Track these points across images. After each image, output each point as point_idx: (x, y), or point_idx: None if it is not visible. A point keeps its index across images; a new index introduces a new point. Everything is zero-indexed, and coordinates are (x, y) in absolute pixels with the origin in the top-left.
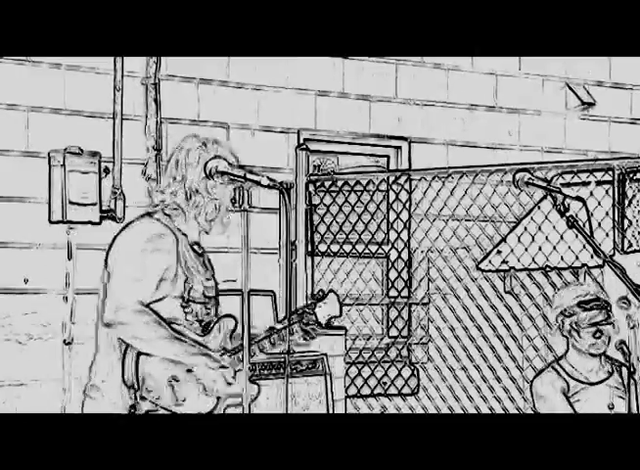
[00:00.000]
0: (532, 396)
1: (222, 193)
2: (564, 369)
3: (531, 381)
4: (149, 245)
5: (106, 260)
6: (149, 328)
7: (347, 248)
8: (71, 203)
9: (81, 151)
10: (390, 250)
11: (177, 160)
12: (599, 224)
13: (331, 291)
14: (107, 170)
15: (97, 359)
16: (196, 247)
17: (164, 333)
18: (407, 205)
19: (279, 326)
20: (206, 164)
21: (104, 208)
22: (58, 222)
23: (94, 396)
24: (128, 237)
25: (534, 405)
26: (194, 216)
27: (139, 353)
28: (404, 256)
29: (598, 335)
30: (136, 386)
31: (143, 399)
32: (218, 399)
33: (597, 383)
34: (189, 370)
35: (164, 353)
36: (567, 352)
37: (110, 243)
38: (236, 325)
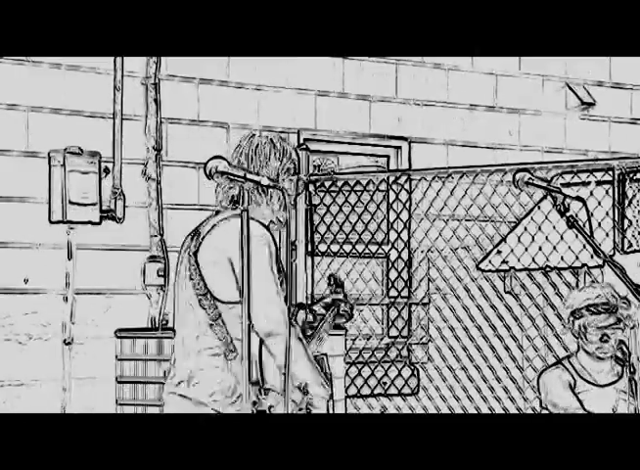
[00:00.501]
0: (539, 389)
1: (276, 201)
2: (573, 367)
3: (539, 374)
4: (268, 248)
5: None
6: (297, 343)
7: (347, 248)
8: (72, 203)
9: (81, 151)
10: (390, 250)
11: (250, 157)
12: (599, 224)
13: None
14: (107, 170)
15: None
16: None
17: (303, 352)
18: (407, 205)
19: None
20: (206, 164)
21: (104, 208)
22: (58, 222)
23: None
24: (255, 240)
25: (540, 399)
26: (265, 212)
27: (260, 349)
28: (404, 256)
29: (605, 339)
30: (260, 382)
31: (267, 393)
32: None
33: (605, 385)
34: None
35: (300, 375)
36: (577, 351)
37: (199, 242)
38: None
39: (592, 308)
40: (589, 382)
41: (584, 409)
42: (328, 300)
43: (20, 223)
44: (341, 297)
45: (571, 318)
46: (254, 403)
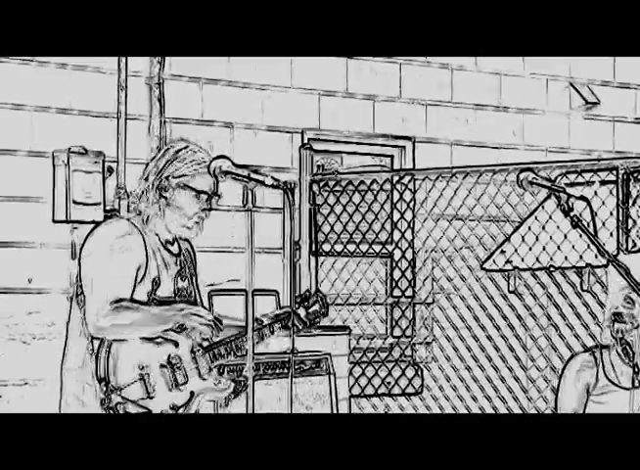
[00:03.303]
0: (561, 373)
1: (185, 202)
2: (602, 361)
3: (569, 357)
4: (117, 244)
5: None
6: (125, 318)
7: (351, 247)
8: (75, 202)
9: (85, 151)
10: (394, 249)
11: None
12: (603, 224)
13: (317, 291)
14: (110, 170)
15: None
16: (171, 247)
17: (139, 314)
18: (411, 204)
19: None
20: (210, 163)
21: (107, 207)
22: (61, 222)
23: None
24: (97, 238)
25: (558, 382)
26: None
27: (110, 347)
28: (408, 255)
29: (620, 335)
30: (107, 379)
31: (112, 391)
32: (192, 393)
33: (627, 388)
34: (162, 365)
35: (147, 330)
36: (610, 350)
37: (81, 245)
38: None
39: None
40: (612, 382)
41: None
42: (281, 311)
43: (23, 223)
44: (298, 311)
45: (612, 319)
46: (103, 402)
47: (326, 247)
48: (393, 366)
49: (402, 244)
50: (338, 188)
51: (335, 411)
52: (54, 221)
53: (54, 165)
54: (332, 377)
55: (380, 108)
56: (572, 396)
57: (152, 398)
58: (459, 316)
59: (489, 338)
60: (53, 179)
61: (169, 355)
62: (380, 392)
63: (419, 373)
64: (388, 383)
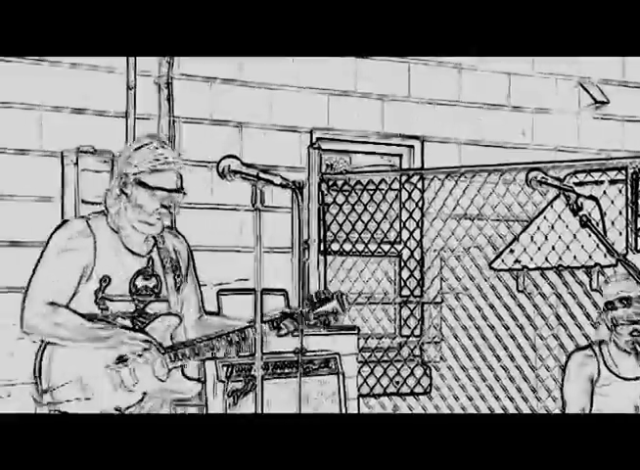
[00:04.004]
0: (564, 369)
1: (142, 198)
2: (602, 354)
3: (570, 353)
4: (65, 245)
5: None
6: (58, 328)
7: (360, 247)
8: (84, 202)
9: (94, 150)
10: (403, 249)
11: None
12: (612, 223)
13: (332, 292)
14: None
15: None
16: (143, 243)
17: (72, 324)
18: (420, 204)
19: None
20: (219, 162)
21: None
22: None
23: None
24: (51, 239)
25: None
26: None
27: (44, 349)
28: (417, 255)
29: (636, 333)
30: (38, 381)
31: (45, 392)
32: (145, 394)
33: (630, 379)
34: (108, 365)
35: (77, 342)
36: (609, 342)
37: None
38: (178, 324)
39: (624, 301)
40: (614, 373)
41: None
42: (277, 312)
43: (33, 222)
44: (293, 311)
45: (605, 309)
46: (35, 401)
47: (335, 246)
48: (402, 366)
49: (411, 243)
50: (346, 187)
51: (343, 411)
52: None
53: (63, 165)
54: (340, 376)
55: (388, 107)
56: (578, 389)
57: (88, 398)
58: (468, 316)
59: (498, 337)
60: (62, 179)
61: (119, 356)
62: (388, 391)
63: (427, 373)
64: (397, 382)
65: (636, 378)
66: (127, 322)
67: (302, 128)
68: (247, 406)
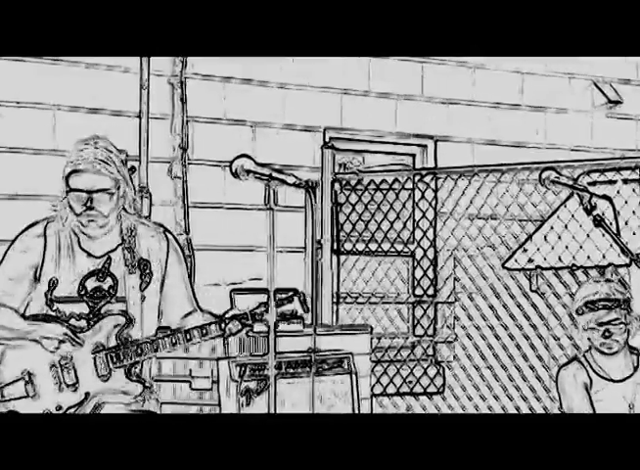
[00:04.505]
0: (557, 388)
1: (70, 199)
2: (589, 363)
3: (557, 372)
4: (19, 246)
5: None
6: None
7: (373, 246)
8: None
9: None
10: (416, 248)
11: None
12: (626, 223)
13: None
14: (133, 169)
15: None
16: (92, 246)
17: (6, 327)
18: (433, 203)
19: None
20: (232, 162)
21: None
22: None
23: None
24: (14, 240)
25: (559, 399)
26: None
27: None
28: (430, 254)
29: (607, 335)
30: None
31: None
32: (87, 394)
33: (620, 380)
34: (52, 365)
35: (5, 339)
36: (590, 347)
37: None
38: (127, 324)
39: (590, 305)
40: (604, 378)
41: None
42: (229, 314)
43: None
44: (242, 313)
45: (576, 315)
46: None
47: (348, 246)
48: (415, 365)
49: (424, 243)
50: (359, 187)
51: (356, 410)
52: None
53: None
54: (353, 376)
55: (401, 106)
56: (578, 398)
57: (33, 397)
58: (481, 315)
59: (511, 337)
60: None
61: (61, 356)
62: (401, 391)
63: (441, 372)
64: (410, 382)
65: (625, 378)
66: (83, 323)
67: (316, 128)
68: (260, 406)
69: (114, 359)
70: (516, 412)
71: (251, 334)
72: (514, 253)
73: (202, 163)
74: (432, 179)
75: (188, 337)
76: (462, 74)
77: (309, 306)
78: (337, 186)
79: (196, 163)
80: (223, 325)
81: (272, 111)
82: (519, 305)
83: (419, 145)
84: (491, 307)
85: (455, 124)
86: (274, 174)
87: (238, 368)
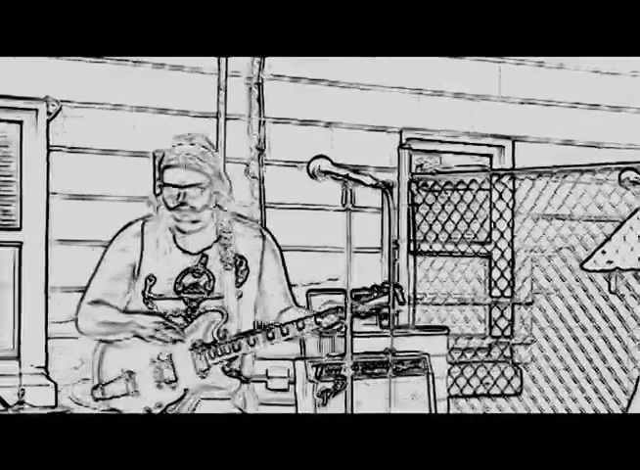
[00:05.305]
0: (635, 388)
1: (165, 196)
2: None
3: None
4: (117, 245)
5: None
6: (98, 325)
7: (450, 247)
8: None
9: None
10: (493, 249)
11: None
12: None
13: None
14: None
15: None
16: (188, 243)
17: (108, 323)
18: (510, 204)
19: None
20: (309, 163)
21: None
22: None
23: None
24: (111, 241)
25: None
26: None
27: (97, 346)
28: (507, 255)
29: None
30: (96, 379)
31: (95, 388)
32: (186, 390)
33: None
34: (152, 362)
35: (109, 336)
36: None
37: None
38: (225, 321)
39: None
40: None
41: None
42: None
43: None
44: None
45: None
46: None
47: (424, 246)
48: (492, 367)
49: (501, 244)
50: (436, 187)
51: (433, 412)
52: None
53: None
54: (430, 377)
55: (479, 107)
56: None
57: (134, 395)
58: (559, 317)
59: (590, 339)
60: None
61: (160, 353)
62: (478, 392)
63: (518, 374)
64: (487, 383)
65: None
66: (179, 320)
67: (392, 128)
68: (336, 407)
69: (212, 355)
70: (593, 413)
71: (325, 334)
72: (592, 254)
73: (278, 163)
74: (509, 180)
75: (284, 331)
76: (540, 74)
77: (405, 299)
78: (413, 187)
79: (272, 163)
80: (319, 319)
81: (349, 111)
82: (597, 307)
83: (496, 145)
84: (569, 309)
85: (533, 125)
86: (351, 175)
87: (315, 369)
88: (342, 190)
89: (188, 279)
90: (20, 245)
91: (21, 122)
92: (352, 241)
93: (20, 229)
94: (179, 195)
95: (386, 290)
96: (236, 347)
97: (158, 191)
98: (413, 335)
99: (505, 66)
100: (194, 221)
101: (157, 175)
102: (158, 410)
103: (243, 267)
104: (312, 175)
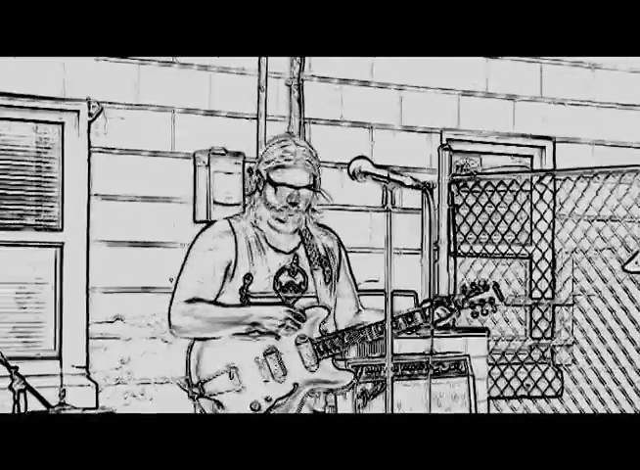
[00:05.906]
0: None
1: (269, 194)
2: None
3: None
4: (208, 244)
5: None
6: (197, 322)
7: (490, 248)
8: (216, 203)
9: (226, 151)
10: (534, 250)
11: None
12: None
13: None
14: (250, 171)
15: None
16: (279, 242)
17: (208, 316)
18: (551, 205)
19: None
20: (350, 164)
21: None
22: (202, 222)
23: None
24: (196, 240)
25: None
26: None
27: (193, 343)
28: (548, 256)
29: None
30: (195, 378)
31: (195, 386)
32: (295, 385)
33: None
34: (258, 357)
35: (215, 332)
36: None
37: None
38: (328, 316)
39: None
40: None
41: None
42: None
43: (165, 223)
44: (441, 300)
45: None
46: (192, 398)
47: (465, 247)
48: (533, 368)
49: (542, 245)
50: (477, 188)
51: (473, 413)
52: (195, 222)
53: (195, 166)
54: (471, 379)
55: (520, 107)
56: None
57: (239, 391)
58: (600, 318)
59: (631, 340)
60: (194, 180)
61: (267, 348)
62: (519, 394)
63: (559, 375)
64: (527, 385)
65: None
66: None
67: (433, 129)
68: (376, 408)
69: (322, 350)
70: (636, 414)
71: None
72: (634, 255)
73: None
74: (550, 180)
75: (394, 325)
76: (581, 75)
77: (504, 295)
78: (454, 188)
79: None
80: (428, 312)
81: (389, 112)
82: (639, 308)
83: (537, 146)
84: (611, 310)
85: (574, 125)
86: (391, 176)
87: (354, 370)
88: (383, 191)
89: (285, 278)
90: (61, 246)
91: (62, 124)
92: (392, 242)
93: (61, 230)
94: (293, 196)
95: (489, 287)
96: (346, 341)
97: (252, 189)
98: (453, 336)
99: (546, 66)
100: (297, 221)
101: (254, 175)
102: (266, 405)
103: (327, 268)
104: (353, 176)
